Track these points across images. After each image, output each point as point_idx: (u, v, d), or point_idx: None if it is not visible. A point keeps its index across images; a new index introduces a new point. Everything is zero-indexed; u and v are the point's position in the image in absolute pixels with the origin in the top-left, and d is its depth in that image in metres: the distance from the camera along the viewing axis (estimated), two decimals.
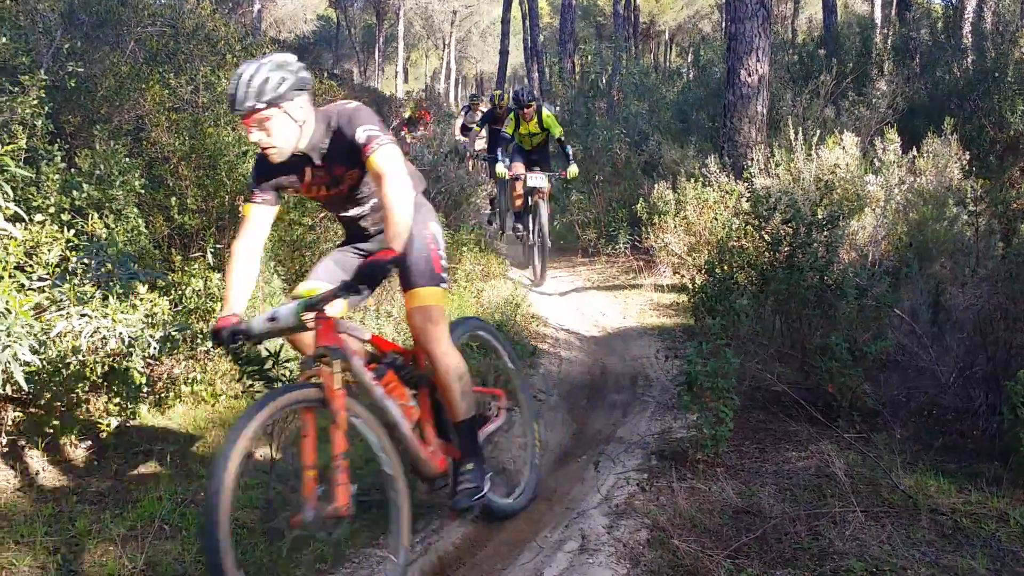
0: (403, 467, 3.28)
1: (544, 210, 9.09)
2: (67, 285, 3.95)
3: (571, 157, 9.41)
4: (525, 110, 9.23)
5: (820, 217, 5.12)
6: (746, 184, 5.70)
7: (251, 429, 2.77)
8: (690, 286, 5.35)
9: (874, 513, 3.59)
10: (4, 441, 3.95)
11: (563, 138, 9.50)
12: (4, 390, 3.48)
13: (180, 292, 5.01)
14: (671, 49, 42.26)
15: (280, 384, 4.06)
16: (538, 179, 9.22)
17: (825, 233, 5.10)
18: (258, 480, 3.92)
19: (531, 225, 9.34)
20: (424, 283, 3.55)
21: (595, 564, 3.40)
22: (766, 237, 5.22)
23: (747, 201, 5.58)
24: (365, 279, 2.97)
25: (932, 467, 4.04)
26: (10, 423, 4.03)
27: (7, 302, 3.40)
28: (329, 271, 3.64)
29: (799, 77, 11.70)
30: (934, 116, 9.64)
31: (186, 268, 5.19)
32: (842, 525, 3.49)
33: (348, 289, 3.01)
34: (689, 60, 28.43)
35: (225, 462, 2.67)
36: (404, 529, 3.18)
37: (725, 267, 5.18)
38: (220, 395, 4.96)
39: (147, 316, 4.36)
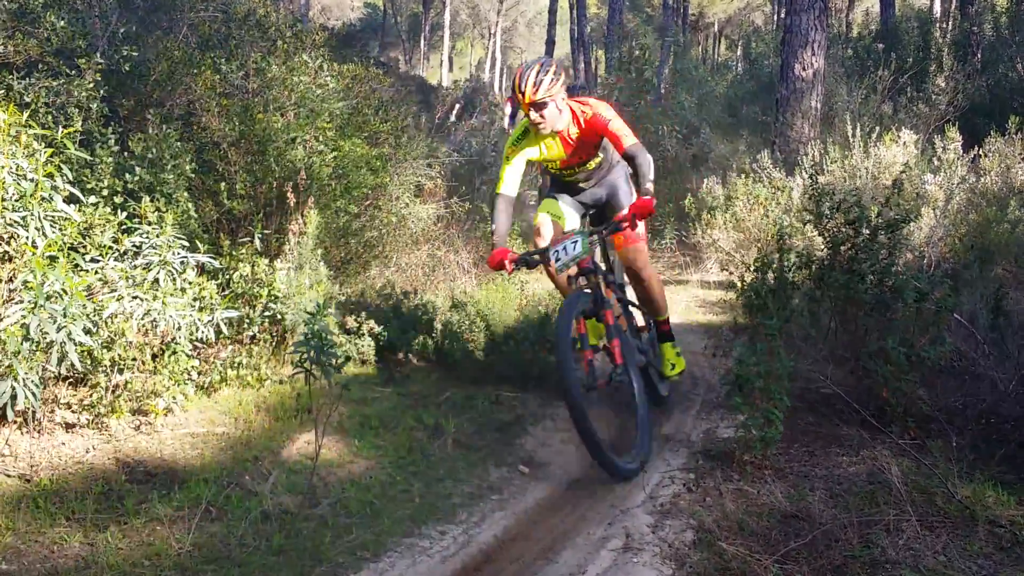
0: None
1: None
2: (119, 267, 3.98)
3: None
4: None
5: (885, 219, 4.98)
6: (809, 180, 5.56)
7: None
8: (739, 283, 5.25)
9: (929, 522, 3.49)
10: (58, 419, 3.99)
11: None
12: (59, 370, 3.51)
13: (228, 276, 5.04)
14: (720, 42, 41.76)
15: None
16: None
17: (888, 235, 4.96)
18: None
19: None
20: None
21: (639, 563, 3.36)
22: (825, 236, 5.10)
23: (808, 197, 5.44)
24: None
25: (990, 477, 3.91)
26: (63, 402, 4.08)
27: (63, 283, 3.43)
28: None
29: (855, 72, 11.47)
30: (996, 114, 9.39)
31: (234, 253, 5.23)
32: (895, 534, 3.39)
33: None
34: (739, 53, 28.08)
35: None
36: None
37: (778, 265, 5.07)
38: (265, 380, 4.99)
39: (195, 300, 4.39)
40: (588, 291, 4.43)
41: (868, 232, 4.93)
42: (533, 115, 4.37)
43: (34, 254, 3.52)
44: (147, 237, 4.23)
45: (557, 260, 4.32)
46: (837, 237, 5.01)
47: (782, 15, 15.67)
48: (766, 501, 3.80)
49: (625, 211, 4.38)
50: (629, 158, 4.39)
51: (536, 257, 4.47)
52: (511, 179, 4.58)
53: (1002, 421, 4.47)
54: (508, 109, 14.37)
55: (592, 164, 4.78)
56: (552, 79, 4.33)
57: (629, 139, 4.39)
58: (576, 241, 4.29)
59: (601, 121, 4.47)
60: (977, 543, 3.32)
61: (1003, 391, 4.54)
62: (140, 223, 4.35)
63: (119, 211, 4.35)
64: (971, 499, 3.59)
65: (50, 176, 3.67)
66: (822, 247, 5.18)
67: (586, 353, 4.27)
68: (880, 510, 3.59)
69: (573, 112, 4.53)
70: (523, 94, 4.34)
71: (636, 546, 3.49)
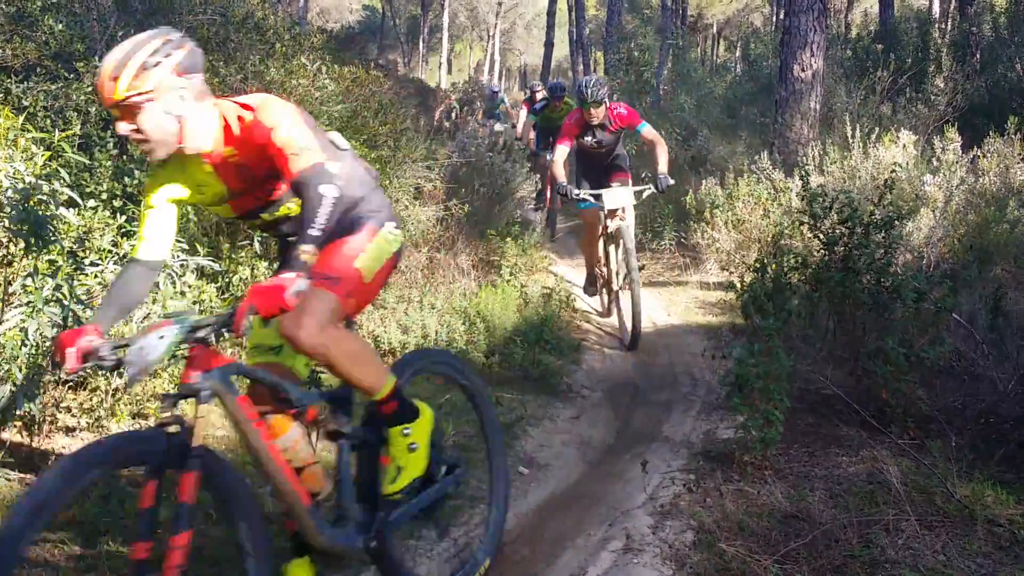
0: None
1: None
2: (119, 270, 3.98)
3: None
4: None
5: (878, 217, 4.99)
6: (802, 181, 5.57)
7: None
8: (738, 284, 5.26)
9: (928, 522, 3.50)
10: (58, 423, 4.00)
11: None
12: (58, 373, 3.52)
13: (227, 279, 5.05)
14: (719, 43, 41.78)
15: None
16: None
17: (883, 234, 4.97)
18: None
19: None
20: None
21: (640, 564, 3.36)
22: (821, 236, 5.11)
23: (802, 199, 5.45)
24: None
25: (989, 477, 3.91)
26: (63, 406, 4.09)
27: (62, 287, 3.43)
28: None
29: (854, 73, 11.47)
30: (995, 115, 9.38)
31: (233, 256, 5.23)
32: (895, 533, 3.40)
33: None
34: (738, 54, 28.10)
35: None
36: None
37: (776, 266, 5.08)
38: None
39: (195, 303, 4.40)
40: (167, 429, 2.44)
41: (861, 230, 4.93)
42: None
43: (33, 258, 3.53)
44: None
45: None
46: (832, 236, 5.01)
47: (781, 16, 15.69)
48: (766, 501, 3.80)
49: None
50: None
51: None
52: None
53: (1001, 421, 4.47)
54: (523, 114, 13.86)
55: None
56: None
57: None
58: (163, 336, 2.47)
59: None
60: (976, 542, 3.33)
61: (1002, 391, 4.54)
62: (139, 227, 4.35)
63: (118, 215, 4.35)
64: (970, 499, 3.59)
65: (48, 180, 3.68)
66: (819, 248, 5.18)
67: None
68: (880, 510, 3.60)
69: None
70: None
71: (636, 547, 3.50)
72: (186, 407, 2.49)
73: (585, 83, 6.74)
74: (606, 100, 6.66)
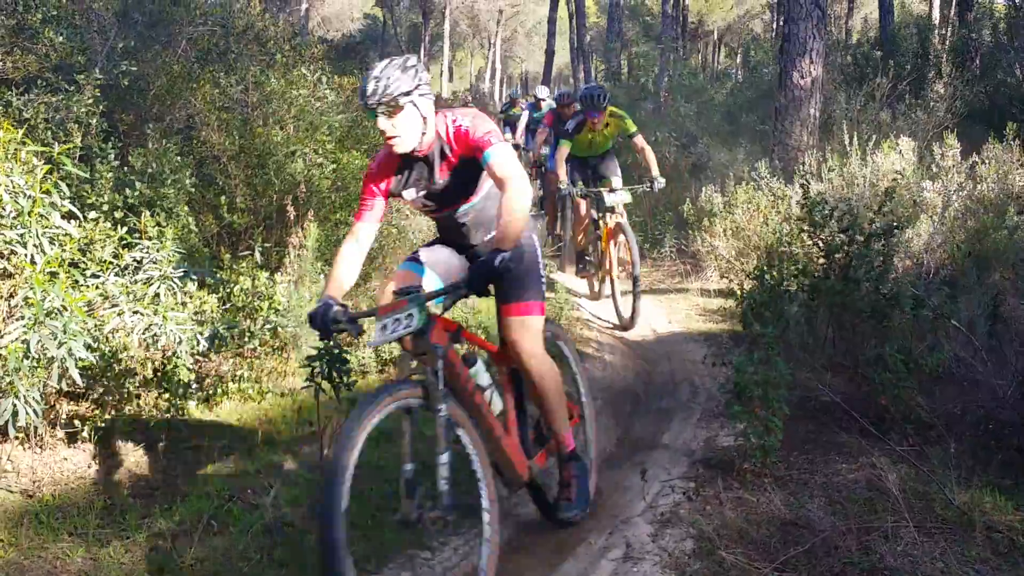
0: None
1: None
2: (120, 282, 4.00)
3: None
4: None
5: (878, 226, 5.00)
6: (802, 188, 5.58)
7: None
8: (738, 291, 5.27)
9: (927, 529, 3.50)
10: (60, 435, 4.01)
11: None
12: (59, 385, 3.53)
13: (228, 290, 5.06)
14: (720, 50, 41.85)
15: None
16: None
17: (882, 242, 4.98)
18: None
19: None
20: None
21: (639, 573, 3.38)
22: (820, 244, 5.12)
23: (802, 207, 5.47)
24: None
25: (988, 483, 3.92)
26: (64, 417, 4.10)
27: (63, 299, 3.45)
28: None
29: (853, 79, 11.50)
30: (995, 121, 9.39)
31: (234, 266, 5.24)
32: (894, 540, 3.40)
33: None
34: (738, 61, 28.15)
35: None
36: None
37: (775, 273, 5.09)
38: (267, 393, 5.00)
39: (196, 313, 4.41)
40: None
41: (862, 239, 4.94)
42: None
43: (33, 271, 3.55)
44: (147, 252, 4.25)
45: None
46: (831, 245, 5.02)
47: (781, 23, 15.73)
48: (765, 509, 3.80)
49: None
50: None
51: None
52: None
53: (1000, 427, 4.47)
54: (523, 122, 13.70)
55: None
56: None
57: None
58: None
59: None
60: (975, 549, 3.33)
61: (1001, 397, 4.54)
62: (140, 238, 4.37)
63: (119, 226, 4.37)
64: (969, 505, 3.60)
65: (48, 193, 3.70)
66: (818, 256, 5.20)
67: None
68: (879, 517, 3.60)
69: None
70: None
71: (636, 555, 3.51)
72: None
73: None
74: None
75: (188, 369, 4.38)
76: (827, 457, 4.44)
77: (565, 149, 7.58)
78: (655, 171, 7.46)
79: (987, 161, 8.05)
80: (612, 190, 7.42)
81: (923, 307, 4.87)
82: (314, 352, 4.12)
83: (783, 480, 4.16)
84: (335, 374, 4.10)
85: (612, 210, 7.31)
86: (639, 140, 7.60)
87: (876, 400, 4.66)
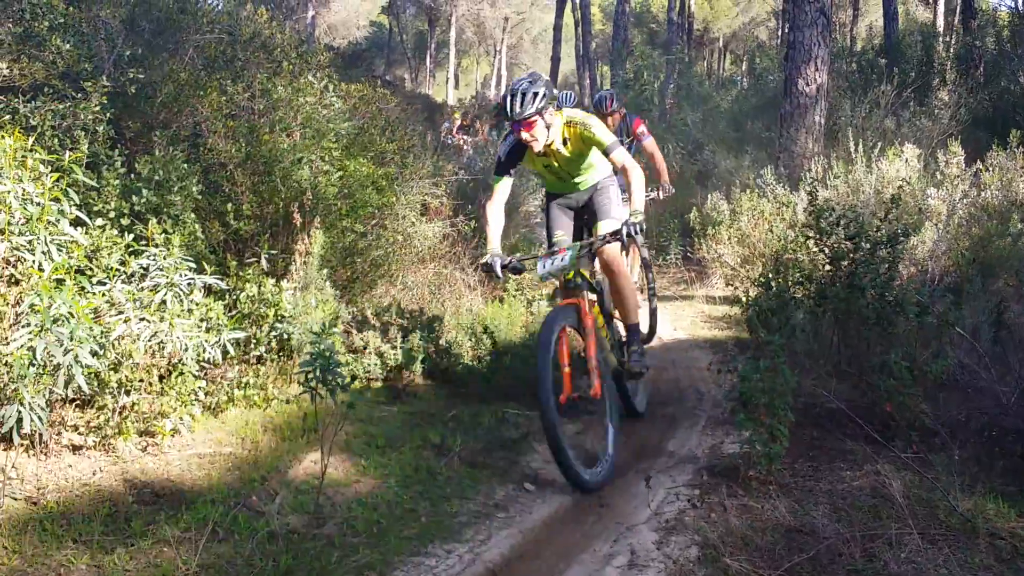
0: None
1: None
2: (126, 289, 4.02)
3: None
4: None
5: (884, 234, 5.00)
6: (809, 195, 5.58)
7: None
8: (743, 299, 5.27)
9: (931, 536, 3.50)
10: (65, 442, 4.02)
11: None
12: (65, 392, 3.54)
13: (234, 297, 5.08)
14: (725, 57, 41.88)
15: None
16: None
17: (888, 250, 4.98)
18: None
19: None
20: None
21: None
22: (826, 252, 5.12)
23: (808, 214, 5.47)
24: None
25: (991, 490, 3.92)
26: (70, 424, 4.11)
27: (70, 306, 3.46)
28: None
29: (858, 86, 11.50)
30: (999, 128, 9.39)
31: (240, 273, 5.26)
32: (898, 547, 3.40)
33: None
34: (744, 68, 28.16)
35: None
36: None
37: (781, 280, 5.09)
38: (272, 400, 5.01)
39: (202, 320, 4.42)
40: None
41: (867, 247, 4.95)
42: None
43: (40, 278, 3.56)
44: (154, 259, 4.27)
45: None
46: (837, 252, 5.02)
47: (786, 30, 15.74)
48: (770, 516, 3.80)
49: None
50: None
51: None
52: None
53: (1004, 434, 4.47)
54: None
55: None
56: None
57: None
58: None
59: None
60: (978, 556, 3.33)
61: (1005, 404, 4.54)
62: (147, 245, 4.39)
63: (126, 233, 4.39)
64: (972, 512, 3.60)
65: (56, 200, 3.72)
66: (824, 263, 5.19)
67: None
68: (883, 524, 3.61)
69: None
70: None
71: (641, 563, 3.51)
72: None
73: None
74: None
75: (194, 376, 4.40)
76: (832, 464, 4.44)
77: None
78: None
79: (991, 168, 8.05)
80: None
81: (928, 314, 4.87)
82: (307, 358, 4.12)
83: (788, 487, 4.16)
84: (330, 378, 4.10)
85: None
86: (617, 156, 4.84)
87: (881, 407, 4.65)
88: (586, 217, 5.22)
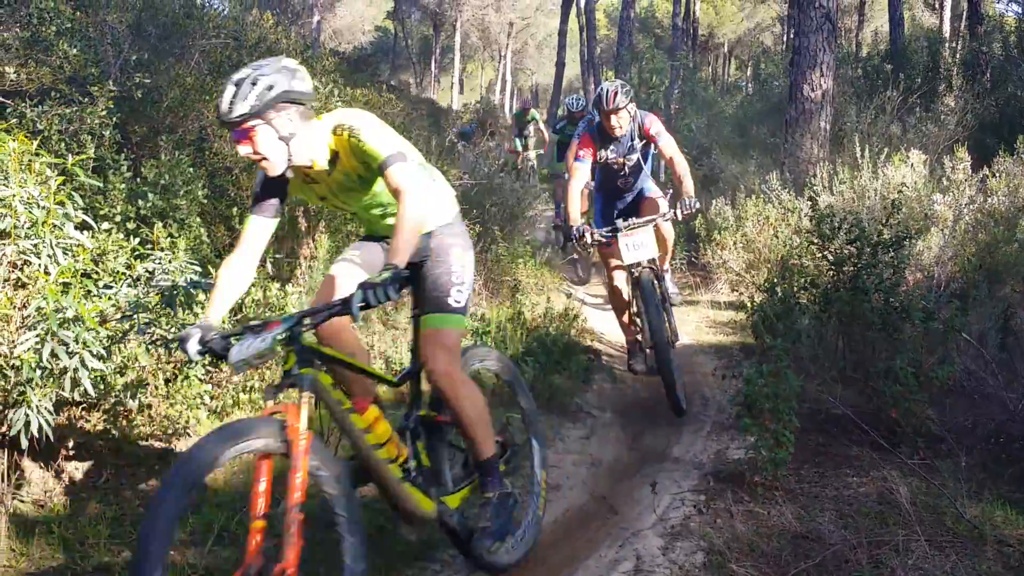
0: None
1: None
2: (132, 292, 4.02)
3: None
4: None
5: (886, 237, 4.99)
6: (810, 201, 5.58)
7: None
8: (748, 304, 5.27)
9: (938, 542, 3.49)
10: (71, 445, 4.03)
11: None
12: (72, 395, 3.55)
13: (239, 301, 5.08)
14: (730, 62, 41.89)
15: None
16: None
17: (891, 254, 4.98)
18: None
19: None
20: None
21: None
22: (829, 257, 5.12)
23: (810, 219, 5.46)
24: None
25: (999, 496, 3.91)
26: (77, 427, 4.12)
27: (76, 310, 3.47)
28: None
29: (864, 92, 11.50)
30: (1005, 134, 9.37)
31: None
32: (904, 554, 3.39)
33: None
34: (748, 73, 28.15)
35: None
36: None
37: (786, 286, 5.09)
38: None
39: None
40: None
41: (869, 251, 4.94)
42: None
43: (47, 281, 3.57)
44: (159, 263, 4.28)
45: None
46: (840, 257, 5.02)
47: (791, 36, 15.75)
48: (776, 522, 3.79)
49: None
50: None
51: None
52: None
53: (1011, 441, 4.46)
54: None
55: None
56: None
57: None
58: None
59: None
60: (985, 563, 3.32)
61: (1012, 411, 4.53)
62: (153, 249, 4.39)
63: (132, 237, 4.40)
64: (980, 519, 3.59)
65: (62, 204, 3.73)
66: (828, 268, 5.19)
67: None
68: (889, 530, 3.59)
69: None
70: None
71: (647, 568, 3.50)
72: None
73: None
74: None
75: (200, 380, 4.40)
76: (838, 470, 4.43)
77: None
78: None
79: (998, 174, 8.03)
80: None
81: (933, 320, 4.86)
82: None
83: (794, 493, 4.15)
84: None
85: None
86: (394, 175, 3.67)
87: (886, 413, 4.65)
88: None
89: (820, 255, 5.34)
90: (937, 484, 3.90)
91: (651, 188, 6.10)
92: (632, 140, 5.78)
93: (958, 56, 12.22)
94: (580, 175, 5.71)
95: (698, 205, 5.65)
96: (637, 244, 5.34)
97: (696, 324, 8.05)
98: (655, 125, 5.77)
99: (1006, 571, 3.28)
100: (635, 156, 5.82)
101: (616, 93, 5.52)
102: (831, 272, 5.16)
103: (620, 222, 5.39)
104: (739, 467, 4.43)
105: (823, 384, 5.21)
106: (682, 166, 5.70)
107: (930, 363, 4.69)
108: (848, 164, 8.89)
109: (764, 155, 11.36)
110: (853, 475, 4.32)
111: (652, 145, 5.87)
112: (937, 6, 23.21)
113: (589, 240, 5.37)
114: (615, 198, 6.11)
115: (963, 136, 10.07)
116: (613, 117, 5.55)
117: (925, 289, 5.98)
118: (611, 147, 5.76)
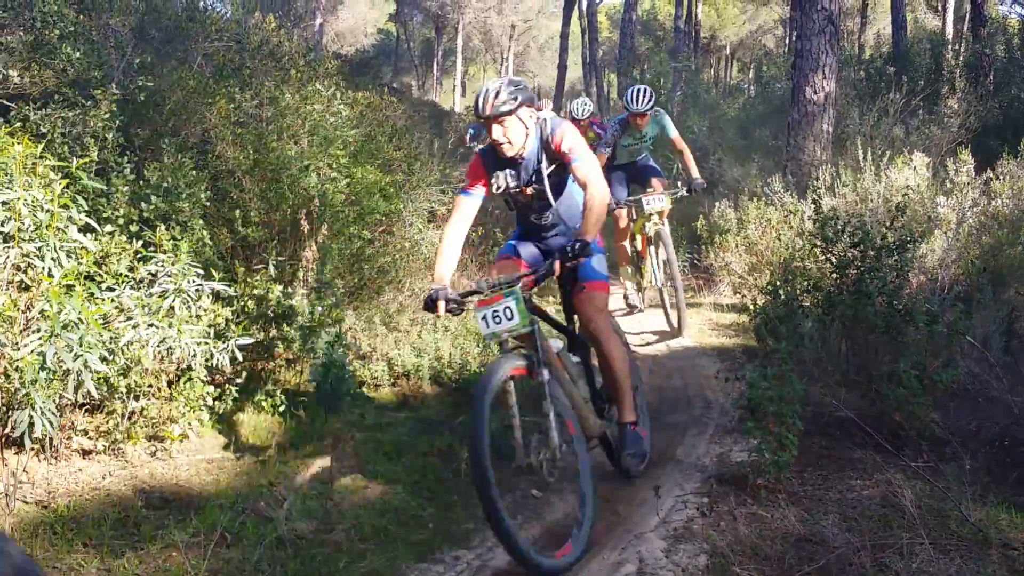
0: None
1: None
2: (135, 295, 4.03)
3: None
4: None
5: (890, 240, 4.98)
6: (813, 204, 5.57)
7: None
8: (751, 307, 5.26)
9: (942, 546, 3.47)
10: (75, 446, 4.03)
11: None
12: (75, 397, 3.55)
13: (242, 303, 5.09)
14: (732, 65, 41.87)
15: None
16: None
17: (895, 257, 4.96)
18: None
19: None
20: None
21: None
22: (832, 260, 5.11)
23: (814, 222, 5.46)
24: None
25: (1003, 500, 3.89)
26: (80, 429, 4.13)
27: (79, 312, 3.47)
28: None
29: (866, 94, 11.48)
30: (1009, 136, 9.34)
31: (248, 279, 5.27)
32: (909, 557, 3.37)
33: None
34: (751, 76, 28.16)
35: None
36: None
37: (789, 289, 5.07)
38: (280, 405, 5.01)
39: (210, 326, 4.44)
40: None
41: (873, 254, 4.93)
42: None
43: (50, 284, 3.58)
44: (162, 265, 4.28)
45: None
46: (843, 260, 5.01)
47: (793, 38, 15.75)
48: (780, 525, 3.78)
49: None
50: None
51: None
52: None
53: (1015, 444, 4.44)
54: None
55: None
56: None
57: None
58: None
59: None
60: (990, 566, 3.30)
61: (1016, 414, 4.51)
62: (156, 251, 4.40)
63: (135, 240, 4.41)
64: (984, 522, 3.57)
65: (65, 207, 3.73)
66: (831, 271, 5.18)
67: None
68: (893, 534, 3.57)
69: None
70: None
71: (650, 571, 3.49)
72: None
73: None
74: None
75: (203, 381, 4.41)
76: (841, 473, 4.41)
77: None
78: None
79: (1001, 177, 8.01)
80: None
81: (937, 323, 4.85)
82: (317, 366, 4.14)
83: (797, 496, 4.14)
84: (339, 386, 4.12)
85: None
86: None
87: (890, 416, 4.63)
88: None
89: (823, 258, 5.33)
90: (941, 487, 3.89)
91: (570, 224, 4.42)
92: (538, 163, 4.12)
93: (961, 58, 12.20)
94: (459, 214, 4.16)
95: (703, 184, 7.54)
96: (497, 315, 3.77)
97: (699, 326, 8.04)
98: (569, 138, 4.00)
99: (1011, 575, 3.27)
100: (543, 186, 4.15)
101: (497, 92, 3.91)
102: (834, 275, 5.14)
103: (484, 283, 3.91)
104: (742, 470, 4.41)
105: (826, 387, 5.19)
106: (597, 201, 3.96)
107: (934, 366, 4.68)
108: (851, 167, 8.87)
109: (766, 158, 11.34)
110: (857, 478, 4.31)
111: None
112: (940, 8, 23.21)
113: (442, 311, 3.87)
114: (535, 238, 4.54)
115: (966, 138, 10.04)
116: (495, 126, 3.95)
117: (929, 292, 5.97)
118: (508, 171, 4.12)
